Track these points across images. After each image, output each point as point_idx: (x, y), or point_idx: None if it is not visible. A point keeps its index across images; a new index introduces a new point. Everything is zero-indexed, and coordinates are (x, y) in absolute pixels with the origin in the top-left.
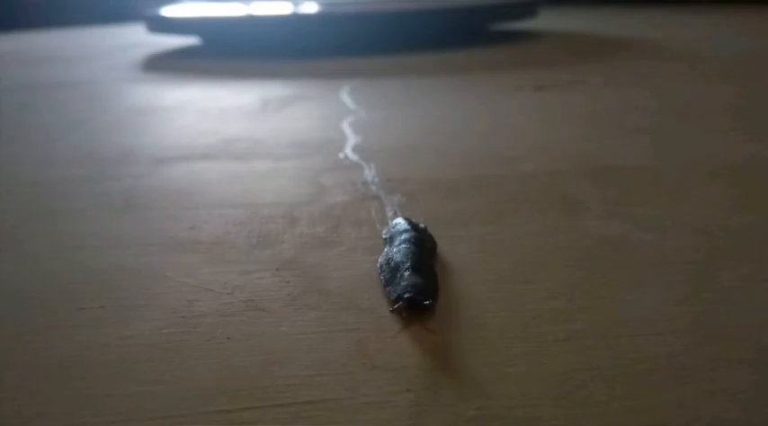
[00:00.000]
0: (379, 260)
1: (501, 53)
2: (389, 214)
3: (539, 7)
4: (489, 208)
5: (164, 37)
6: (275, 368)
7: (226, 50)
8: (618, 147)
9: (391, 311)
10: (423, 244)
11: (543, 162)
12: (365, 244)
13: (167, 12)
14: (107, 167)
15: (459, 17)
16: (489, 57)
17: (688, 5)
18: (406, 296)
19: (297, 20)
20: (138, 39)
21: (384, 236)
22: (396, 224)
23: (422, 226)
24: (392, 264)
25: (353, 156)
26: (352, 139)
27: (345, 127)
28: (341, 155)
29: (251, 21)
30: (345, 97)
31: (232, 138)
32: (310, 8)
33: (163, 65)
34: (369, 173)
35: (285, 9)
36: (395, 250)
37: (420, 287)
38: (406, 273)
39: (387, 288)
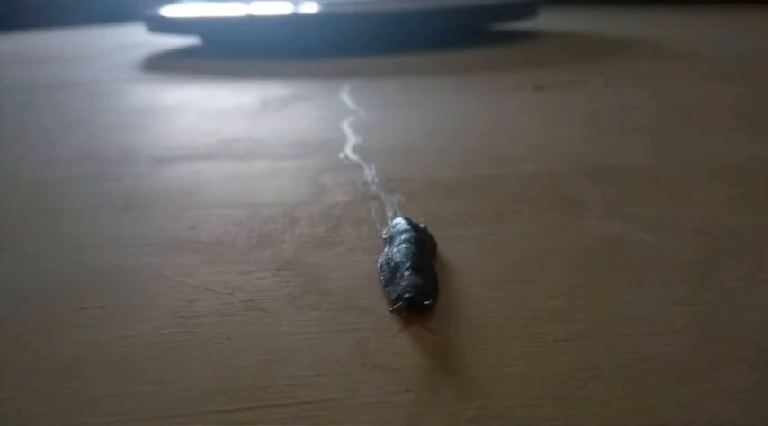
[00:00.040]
0: (379, 260)
1: (501, 53)
2: (389, 214)
3: (539, 7)
4: (489, 208)
5: (164, 37)
6: (275, 368)
7: (226, 50)
8: (618, 147)
9: (391, 311)
10: (423, 244)
11: (543, 162)
12: (365, 243)
13: (167, 12)
14: (107, 167)
15: (459, 17)
16: (489, 57)
17: (688, 5)
18: (406, 296)
19: (297, 20)
20: (138, 39)
21: (384, 236)
22: (396, 224)
23: (422, 226)
24: (392, 264)
25: (353, 156)
26: (352, 139)
27: (345, 127)
28: (341, 155)
29: (251, 21)
30: (345, 97)
31: (232, 138)
32: (310, 8)
33: (163, 65)
34: (369, 173)
35: (285, 9)
36: (395, 250)
37: (420, 287)
38: (406, 273)
39: (387, 288)
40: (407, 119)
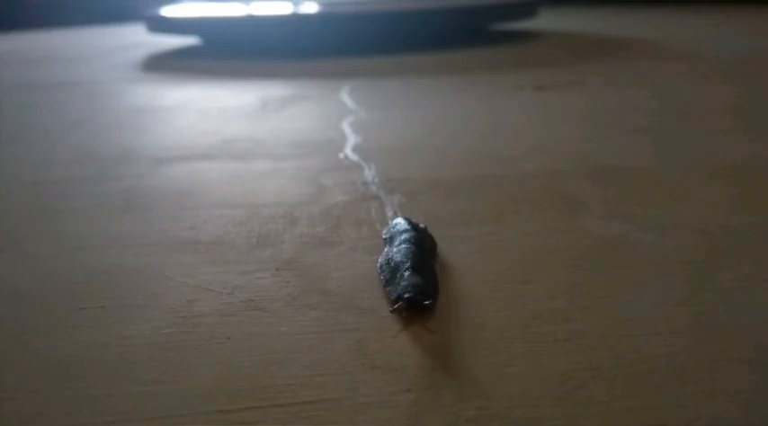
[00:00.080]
0: (379, 260)
1: (501, 53)
2: (389, 214)
3: (539, 7)
4: (489, 208)
5: (164, 37)
6: (275, 368)
7: (226, 50)
8: (618, 147)
9: (391, 311)
10: (423, 244)
11: (543, 162)
12: (365, 244)
13: (167, 12)
14: (107, 167)
15: (459, 17)
16: (489, 57)
17: (688, 5)
18: (406, 296)
19: (297, 20)
20: (138, 39)
21: (384, 236)
22: (396, 224)
23: (422, 226)
24: (392, 264)
25: (353, 156)
26: (352, 139)
27: (345, 127)
28: (341, 155)
29: (251, 21)
30: (345, 97)
31: (232, 138)
32: (310, 8)
33: (163, 65)
34: (369, 173)
35: (285, 9)
36: (395, 250)
37: (420, 287)
38: (406, 273)
39: (387, 288)
40: (407, 119)
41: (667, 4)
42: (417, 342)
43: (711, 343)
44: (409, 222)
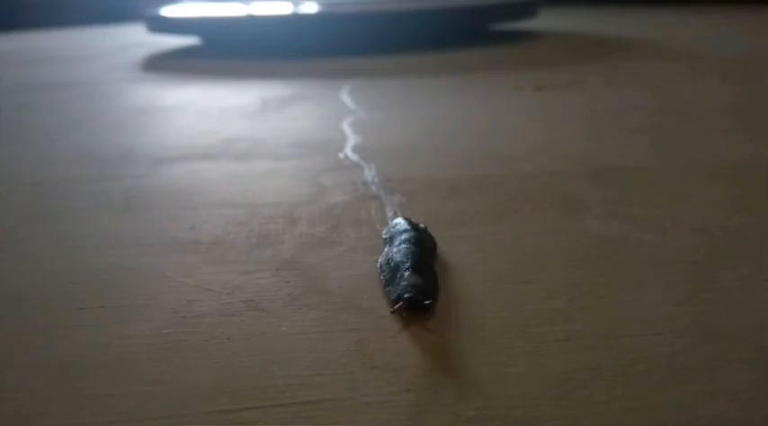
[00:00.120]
0: (379, 260)
1: (501, 53)
2: (389, 214)
3: (539, 7)
4: (489, 208)
5: (164, 37)
6: (275, 368)
7: (226, 50)
8: (618, 147)
9: (391, 311)
10: (423, 244)
11: (543, 162)
12: (365, 244)
13: (167, 12)
14: (107, 167)
15: (459, 17)
16: (489, 57)
17: (688, 5)
18: (406, 296)
19: (297, 20)
20: (138, 39)
21: (384, 236)
22: (396, 224)
23: (422, 226)
24: (392, 264)
25: (353, 156)
26: (352, 139)
27: (345, 127)
28: (341, 155)
29: (251, 21)
30: (345, 97)
31: (232, 138)
32: (310, 8)
33: (163, 65)
34: (369, 173)
35: (285, 9)
36: (395, 250)
37: (420, 287)
38: (406, 273)
39: (387, 288)
40: (407, 119)
41: (667, 4)
42: (417, 342)
43: (711, 343)
44: (409, 222)
